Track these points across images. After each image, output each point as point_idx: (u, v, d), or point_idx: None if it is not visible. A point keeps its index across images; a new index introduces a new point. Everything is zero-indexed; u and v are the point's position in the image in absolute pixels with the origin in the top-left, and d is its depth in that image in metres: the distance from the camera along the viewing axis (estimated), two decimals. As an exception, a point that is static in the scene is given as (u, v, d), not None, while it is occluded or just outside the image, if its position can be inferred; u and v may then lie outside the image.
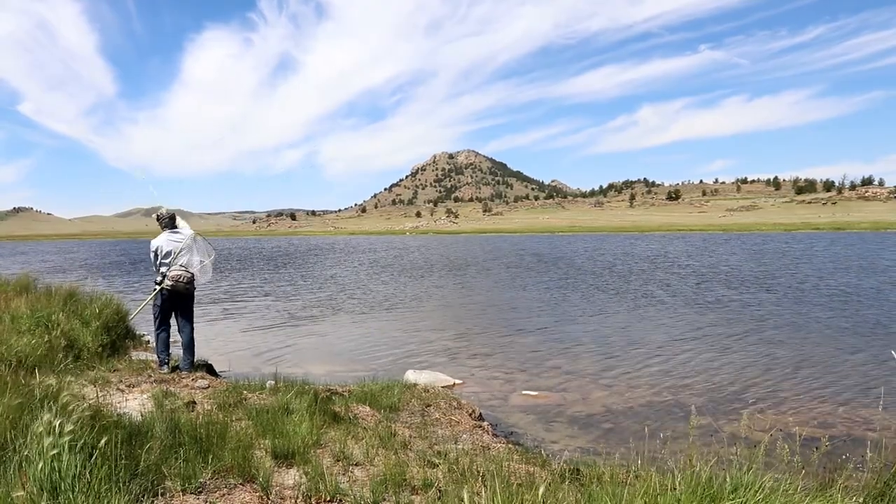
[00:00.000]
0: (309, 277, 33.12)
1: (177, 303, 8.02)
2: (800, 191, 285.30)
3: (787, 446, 3.77)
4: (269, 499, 3.98)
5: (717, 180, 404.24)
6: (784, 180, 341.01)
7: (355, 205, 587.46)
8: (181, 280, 7.78)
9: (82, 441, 3.52)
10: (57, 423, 3.50)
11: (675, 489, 3.37)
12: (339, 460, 4.84)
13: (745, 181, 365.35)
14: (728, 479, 3.46)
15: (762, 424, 7.84)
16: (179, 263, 7.86)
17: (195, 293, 8.22)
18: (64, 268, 44.98)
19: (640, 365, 11.47)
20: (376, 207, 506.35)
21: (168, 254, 7.92)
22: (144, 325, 11.36)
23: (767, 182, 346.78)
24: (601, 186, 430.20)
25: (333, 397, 7.15)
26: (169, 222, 8.13)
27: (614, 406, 9.02)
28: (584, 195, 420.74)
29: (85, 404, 4.15)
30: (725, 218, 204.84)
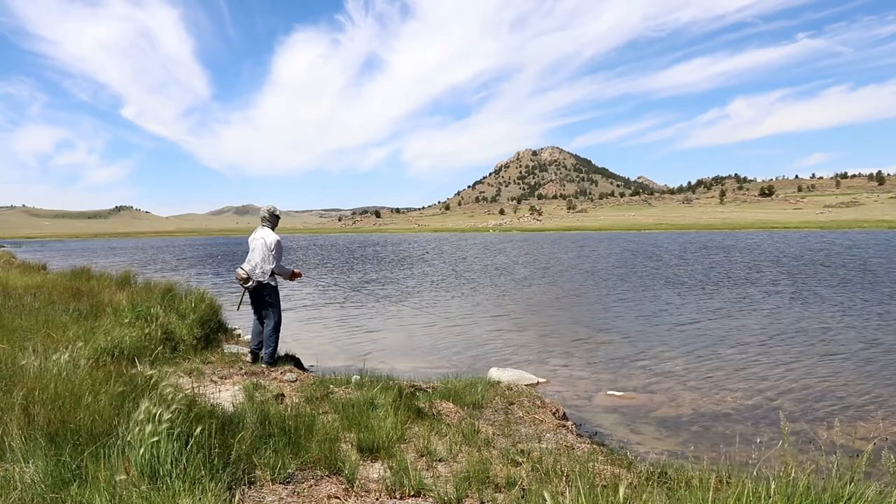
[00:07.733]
0: (393, 273, 33.53)
1: (252, 297, 8.10)
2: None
3: (892, 456, 3.56)
4: (354, 491, 4.05)
5: (814, 175, 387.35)
6: (889, 175, 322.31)
7: (439, 202, 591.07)
8: (239, 276, 7.87)
9: (179, 429, 3.68)
10: (156, 411, 3.68)
11: (769, 497, 3.24)
12: (422, 456, 4.88)
13: (844, 176, 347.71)
14: (827, 489, 3.30)
15: (864, 433, 7.43)
16: (248, 260, 7.98)
17: (271, 291, 8.03)
18: (161, 263, 47.16)
19: (730, 367, 11.04)
20: (460, 205, 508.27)
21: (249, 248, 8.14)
22: (236, 318, 11.76)
23: (870, 177, 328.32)
24: (690, 183, 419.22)
25: (417, 393, 7.22)
26: (267, 220, 8.21)
27: (703, 409, 8.73)
28: (671, 192, 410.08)
29: (181, 394, 4.33)
30: (823, 214, 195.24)
